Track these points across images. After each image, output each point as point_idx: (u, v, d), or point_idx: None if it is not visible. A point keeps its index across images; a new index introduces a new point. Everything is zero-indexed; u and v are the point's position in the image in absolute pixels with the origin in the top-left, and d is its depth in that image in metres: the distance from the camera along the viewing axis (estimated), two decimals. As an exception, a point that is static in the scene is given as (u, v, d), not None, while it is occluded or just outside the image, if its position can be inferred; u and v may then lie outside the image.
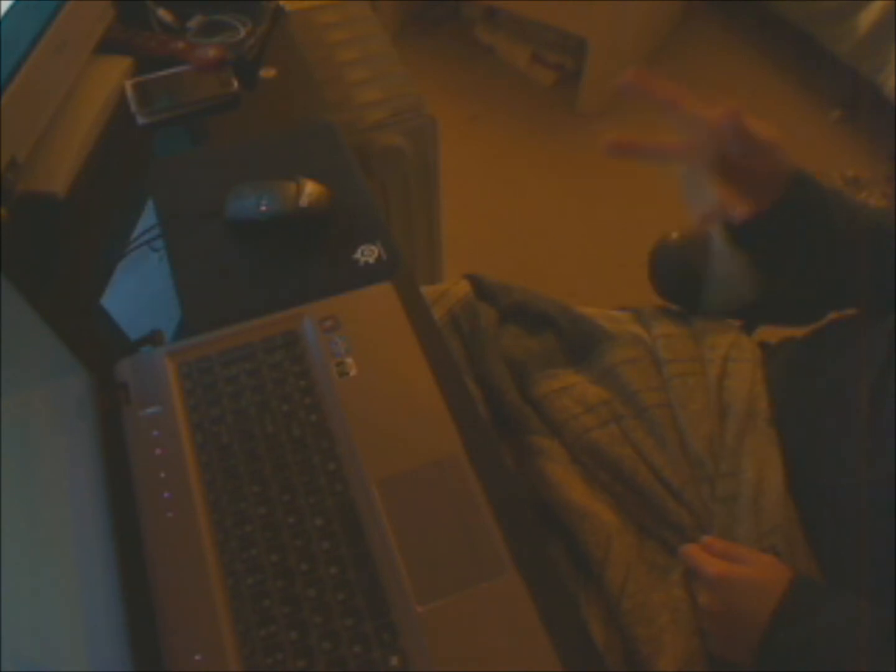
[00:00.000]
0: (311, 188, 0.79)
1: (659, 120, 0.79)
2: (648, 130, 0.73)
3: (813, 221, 0.74)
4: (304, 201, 0.78)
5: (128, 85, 0.94)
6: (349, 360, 0.71)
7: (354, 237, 0.80)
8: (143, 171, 0.88)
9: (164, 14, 1.02)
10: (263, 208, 0.78)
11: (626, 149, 0.71)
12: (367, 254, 0.79)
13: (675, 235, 0.91)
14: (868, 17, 1.92)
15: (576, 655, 0.57)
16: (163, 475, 0.65)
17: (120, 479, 0.65)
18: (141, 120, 0.92)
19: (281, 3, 1.06)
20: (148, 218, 0.84)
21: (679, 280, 0.83)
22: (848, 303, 0.80)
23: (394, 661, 0.56)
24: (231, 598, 0.59)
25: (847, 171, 2.05)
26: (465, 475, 0.64)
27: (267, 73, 0.99)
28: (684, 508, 0.72)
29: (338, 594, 0.59)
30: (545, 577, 0.61)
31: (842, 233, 0.74)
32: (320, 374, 0.70)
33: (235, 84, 0.96)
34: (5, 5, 0.78)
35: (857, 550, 0.67)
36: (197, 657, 0.57)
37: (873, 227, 0.76)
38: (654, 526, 0.73)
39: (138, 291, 0.82)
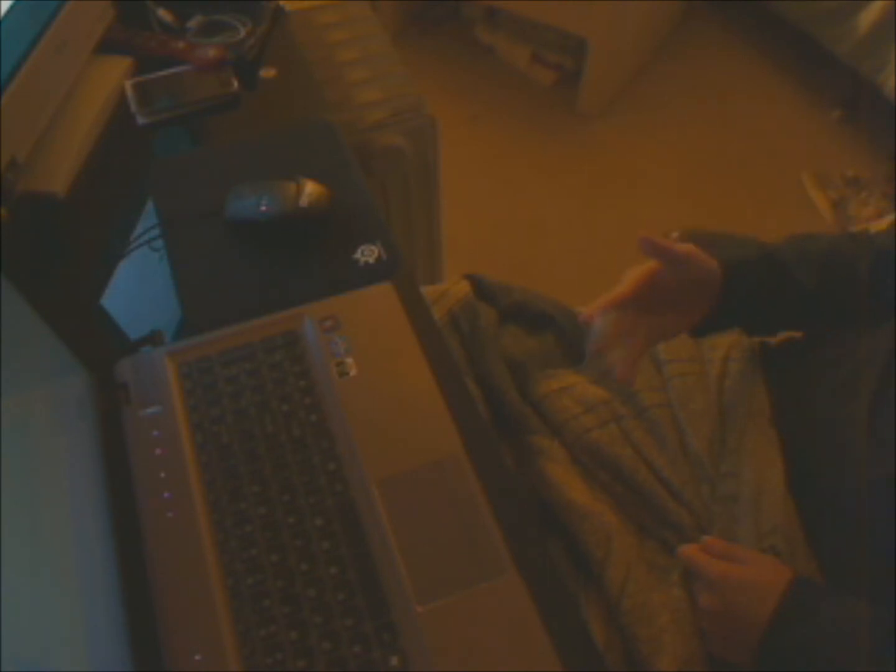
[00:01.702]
0: (311, 188, 0.79)
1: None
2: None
3: (760, 297, 0.75)
4: (304, 201, 0.78)
5: (128, 85, 0.94)
6: (349, 360, 0.71)
7: (354, 237, 0.80)
8: (143, 171, 0.88)
9: (164, 14, 1.02)
10: (263, 208, 0.78)
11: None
12: (367, 254, 0.79)
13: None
14: (868, 17, 1.92)
15: (576, 655, 0.57)
16: (163, 475, 0.65)
17: (120, 479, 0.65)
18: (141, 120, 0.92)
19: (281, 3, 1.06)
20: (148, 218, 0.84)
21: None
22: (841, 324, 0.80)
23: (394, 661, 0.56)
24: (231, 598, 0.59)
25: (847, 171, 2.05)
26: (465, 475, 0.64)
27: (267, 73, 0.99)
28: (684, 508, 0.72)
29: (338, 594, 0.59)
30: (545, 577, 0.61)
31: (806, 285, 0.75)
32: (320, 374, 0.70)
33: (235, 84, 0.96)
34: (5, 5, 0.78)
35: (857, 551, 0.67)
36: (197, 657, 0.57)
37: (849, 261, 0.76)
38: (654, 526, 0.73)
39: (138, 291, 0.82)
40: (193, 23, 1.02)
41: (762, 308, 0.76)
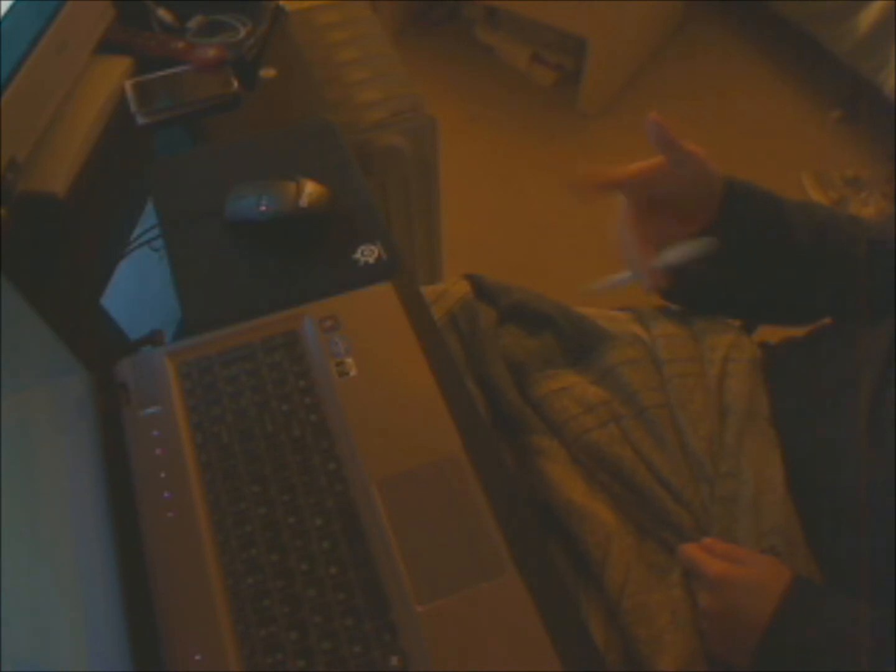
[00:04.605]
0: (311, 188, 0.79)
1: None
2: (646, 131, 0.74)
3: (758, 237, 0.76)
4: (304, 201, 0.78)
5: (128, 85, 0.94)
6: (349, 360, 0.71)
7: (354, 237, 0.80)
8: (143, 171, 0.88)
9: (164, 14, 1.02)
10: (263, 208, 0.78)
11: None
12: (367, 254, 0.79)
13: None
14: (868, 17, 1.93)
15: (576, 655, 0.57)
16: (163, 475, 0.65)
17: (120, 479, 0.65)
18: (141, 120, 0.92)
19: (281, 3, 1.06)
20: (148, 218, 0.84)
21: (679, 280, 0.83)
22: (839, 312, 0.80)
23: (394, 661, 0.56)
24: (231, 598, 0.59)
25: (847, 171, 2.05)
26: (465, 475, 0.64)
27: (267, 73, 0.99)
28: (684, 509, 0.72)
29: (338, 594, 0.59)
30: (545, 577, 0.61)
31: (804, 245, 0.76)
32: (320, 374, 0.70)
33: (235, 84, 0.96)
34: (5, 5, 0.78)
35: (857, 551, 0.67)
36: (197, 657, 0.57)
37: (848, 239, 0.77)
38: (653, 526, 0.73)
39: (138, 291, 0.82)
40: (193, 23, 1.02)
41: (753, 250, 0.77)
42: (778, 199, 0.78)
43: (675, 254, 0.72)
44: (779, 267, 0.78)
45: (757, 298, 0.84)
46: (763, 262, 0.79)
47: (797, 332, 0.85)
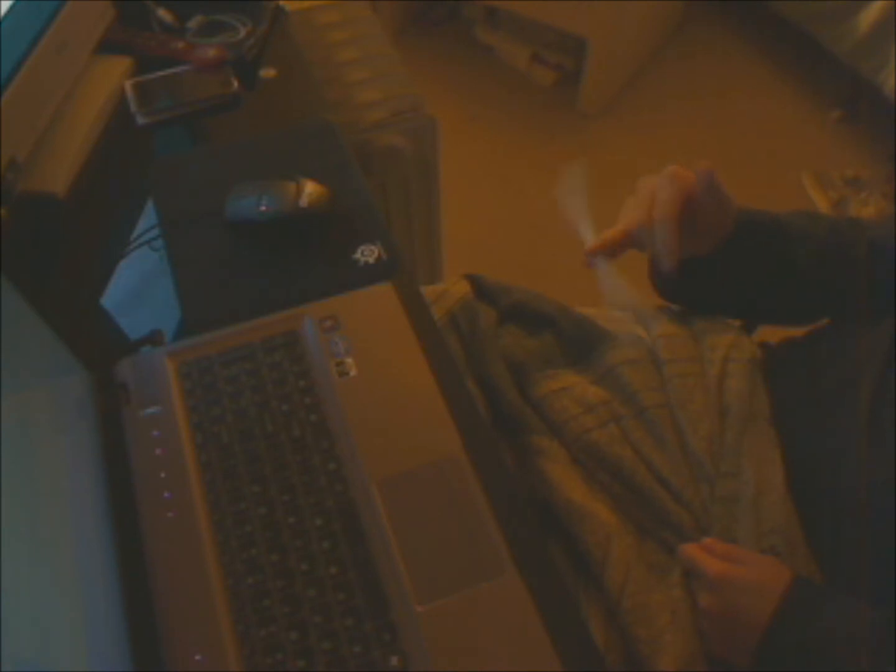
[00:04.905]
0: (311, 188, 0.79)
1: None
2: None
3: (760, 257, 0.79)
4: (304, 201, 0.78)
5: (128, 85, 0.94)
6: (349, 360, 0.71)
7: (354, 237, 0.80)
8: (143, 171, 0.88)
9: (164, 14, 1.02)
10: (263, 208, 0.78)
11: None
12: (367, 254, 0.79)
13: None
14: (868, 17, 1.93)
15: (576, 655, 0.57)
16: (163, 475, 0.65)
17: (120, 479, 0.65)
18: (141, 120, 0.92)
19: (281, 3, 1.06)
20: (148, 218, 0.84)
21: (678, 280, 0.83)
22: (839, 312, 0.81)
23: (394, 661, 0.56)
24: (231, 598, 0.59)
25: (847, 171, 2.05)
26: (465, 475, 0.64)
27: (267, 73, 0.99)
28: (684, 509, 0.72)
29: (338, 594, 0.59)
30: (545, 577, 0.61)
31: (805, 264, 0.78)
32: (320, 374, 0.70)
33: (235, 84, 0.96)
34: (5, 5, 0.78)
35: (857, 552, 0.67)
36: (197, 657, 0.57)
37: (848, 242, 0.78)
38: (653, 526, 0.73)
39: (138, 291, 0.82)
40: (193, 23, 1.02)
41: (757, 269, 0.79)
42: (782, 223, 0.79)
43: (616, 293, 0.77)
44: (780, 278, 0.79)
45: (757, 299, 0.84)
46: (765, 277, 0.80)
47: (797, 332, 0.86)
